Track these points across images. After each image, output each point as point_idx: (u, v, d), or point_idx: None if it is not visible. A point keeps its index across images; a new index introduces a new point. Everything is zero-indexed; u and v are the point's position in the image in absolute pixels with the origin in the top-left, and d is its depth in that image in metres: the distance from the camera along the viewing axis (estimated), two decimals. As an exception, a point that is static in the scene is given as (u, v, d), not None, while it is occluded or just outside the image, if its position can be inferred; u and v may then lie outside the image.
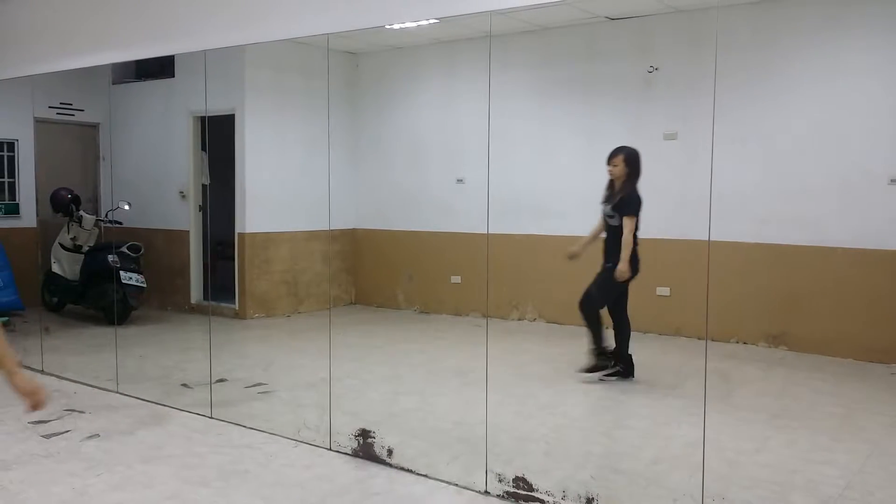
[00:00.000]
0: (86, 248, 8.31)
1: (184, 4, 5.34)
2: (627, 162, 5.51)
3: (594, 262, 7.05)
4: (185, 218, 8.76)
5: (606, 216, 5.57)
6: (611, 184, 5.60)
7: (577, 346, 5.66)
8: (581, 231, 5.67)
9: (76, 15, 6.07)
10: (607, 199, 5.59)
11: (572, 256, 5.60)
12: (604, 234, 5.65)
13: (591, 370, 5.58)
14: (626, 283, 5.55)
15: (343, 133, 9.13)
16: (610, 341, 5.61)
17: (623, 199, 5.48)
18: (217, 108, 8.10)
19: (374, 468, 4.13)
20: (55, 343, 6.97)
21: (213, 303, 8.29)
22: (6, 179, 8.59)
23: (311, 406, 5.14)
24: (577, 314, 5.64)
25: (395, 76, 9.07)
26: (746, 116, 6.72)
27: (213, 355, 5.62)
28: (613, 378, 5.58)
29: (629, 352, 5.62)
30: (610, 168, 5.54)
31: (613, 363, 5.60)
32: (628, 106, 7.43)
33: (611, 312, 5.67)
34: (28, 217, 8.43)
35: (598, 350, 5.59)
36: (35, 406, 2.57)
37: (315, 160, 8.18)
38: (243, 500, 3.73)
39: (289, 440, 4.53)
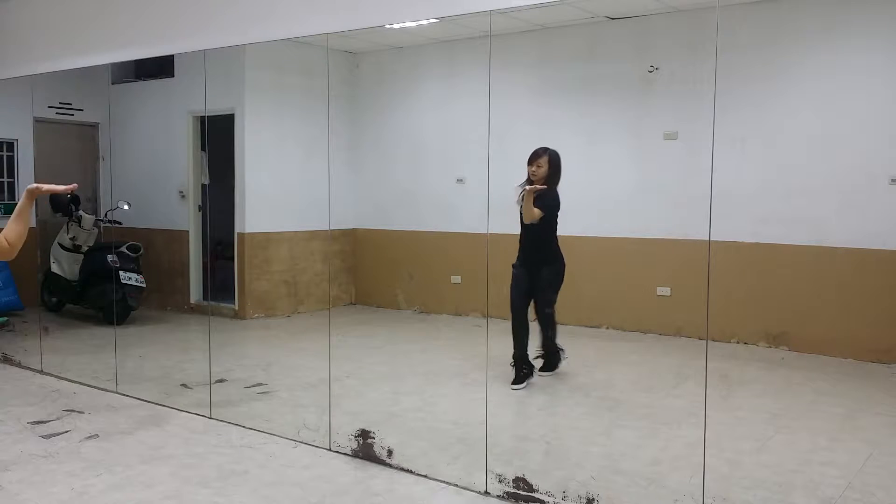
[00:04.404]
0: (85, 248, 8.30)
1: (184, 4, 5.34)
2: (551, 163, 5.46)
3: (595, 264, 7.08)
4: (185, 218, 8.75)
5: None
6: (529, 184, 5.50)
7: (577, 345, 5.66)
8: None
9: (76, 15, 6.07)
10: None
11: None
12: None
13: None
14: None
15: (343, 133, 9.12)
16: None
17: (546, 198, 5.38)
18: (217, 107, 8.09)
19: (374, 468, 4.12)
20: (54, 343, 6.96)
21: (212, 303, 8.28)
22: (5, 179, 8.58)
23: (311, 406, 5.14)
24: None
25: (395, 76, 9.06)
26: (746, 116, 6.72)
27: (213, 355, 5.61)
28: (552, 373, 5.72)
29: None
30: (533, 169, 5.46)
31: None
32: (628, 106, 7.43)
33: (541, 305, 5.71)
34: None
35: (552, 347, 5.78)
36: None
37: (315, 160, 8.16)
38: (243, 500, 3.73)
39: (288, 440, 4.53)
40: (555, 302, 5.65)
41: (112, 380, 5.77)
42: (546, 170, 5.45)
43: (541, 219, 5.40)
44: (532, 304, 5.68)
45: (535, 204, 5.30)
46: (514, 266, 5.68)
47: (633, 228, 7.31)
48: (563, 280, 5.62)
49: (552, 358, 5.74)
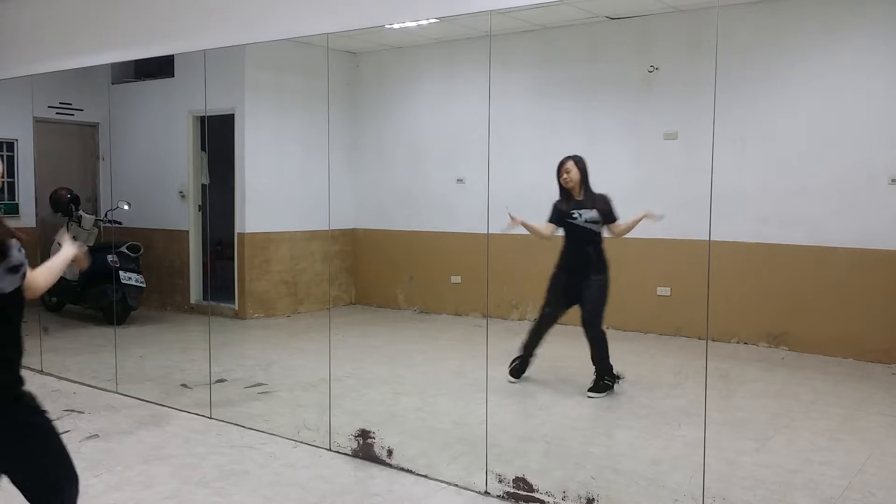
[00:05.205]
0: (85, 248, 8.29)
1: (184, 4, 5.34)
2: (579, 166, 5.40)
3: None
4: (185, 218, 8.75)
5: (590, 222, 5.36)
6: (567, 192, 5.42)
7: (577, 345, 5.65)
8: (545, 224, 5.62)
9: (76, 15, 6.07)
10: (578, 207, 5.38)
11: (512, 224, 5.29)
12: (565, 240, 5.47)
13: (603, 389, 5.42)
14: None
15: (343, 133, 9.12)
16: None
17: (608, 206, 5.39)
18: (217, 107, 8.10)
19: (374, 468, 4.12)
20: (55, 343, 6.96)
21: (212, 303, 8.29)
22: (6, 179, 8.58)
23: (311, 406, 5.14)
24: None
25: (395, 76, 9.07)
26: (746, 116, 6.72)
27: (213, 355, 5.62)
28: (603, 395, 5.38)
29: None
30: (565, 176, 5.39)
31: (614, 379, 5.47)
32: (628, 106, 7.43)
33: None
34: (27, 217, 8.41)
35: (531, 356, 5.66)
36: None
37: (315, 160, 8.17)
38: (243, 500, 3.73)
39: (288, 440, 4.53)
40: (603, 312, 5.39)
41: (112, 380, 5.77)
42: (577, 172, 5.38)
43: (594, 222, 5.37)
44: (580, 318, 5.44)
45: (613, 220, 5.35)
46: (555, 268, 5.48)
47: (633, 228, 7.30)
48: (608, 291, 5.39)
49: (604, 378, 5.39)
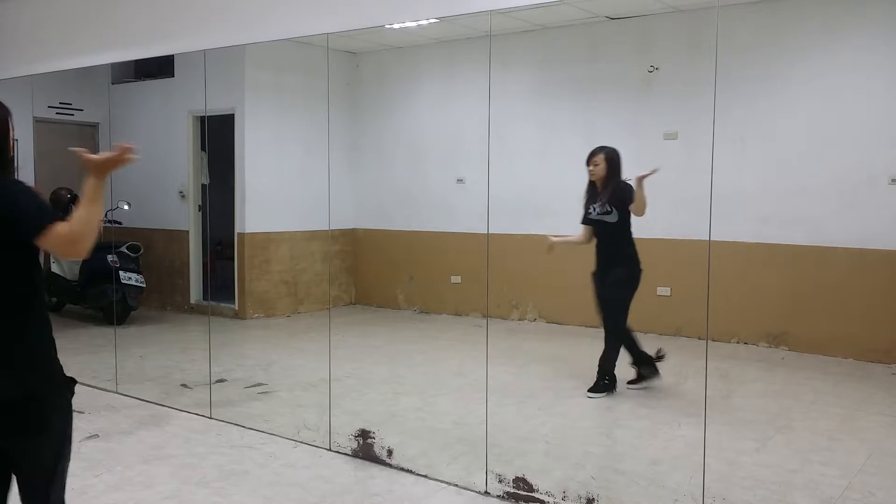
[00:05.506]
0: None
1: (184, 4, 5.34)
2: (608, 160, 5.29)
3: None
4: (185, 218, 8.75)
5: (601, 214, 5.30)
6: (592, 185, 5.37)
7: (577, 346, 5.66)
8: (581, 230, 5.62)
9: (76, 15, 6.07)
10: (595, 200, 5.31)
11: (552, 248, 5.38)
12: (594, 239, 5.40)
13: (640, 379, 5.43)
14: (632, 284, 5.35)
15: (343, 133, 9.12)
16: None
17: (623, 193, 5.23)
18: (217, 107, 8.10)
19: (374, 468, 4.12)
20: (55, 343, 6.95)
21: (212, 303, 8.29)
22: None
23: (311, 406, 5.14)
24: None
25: (395, 76, 9.07)
26: (746, 116, 6.72)
27: (213, 355, 5.62)
28: (603, 395, 5.37)
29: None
30: (591, 168, 5.30)
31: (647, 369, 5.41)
32: (628, 106, 7.43)
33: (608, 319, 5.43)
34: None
35: (643, 356, 5.45)
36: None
37: (315, 160, 8.16)
38: (243, 500, 3.73)
39: (288, 440, 4.53)
40: (622, 312, 5.31)
41: (112, 380, 5.77)
42: (603, 167, 5.28)
43: (605, 214, 5.27)
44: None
45: (628, 198, 5.18)
46: (616, 269, 5.35)
47: (633, 228, 7.29)
48: (635, 287, 5.29)
49: (604, 378, 5.36)
